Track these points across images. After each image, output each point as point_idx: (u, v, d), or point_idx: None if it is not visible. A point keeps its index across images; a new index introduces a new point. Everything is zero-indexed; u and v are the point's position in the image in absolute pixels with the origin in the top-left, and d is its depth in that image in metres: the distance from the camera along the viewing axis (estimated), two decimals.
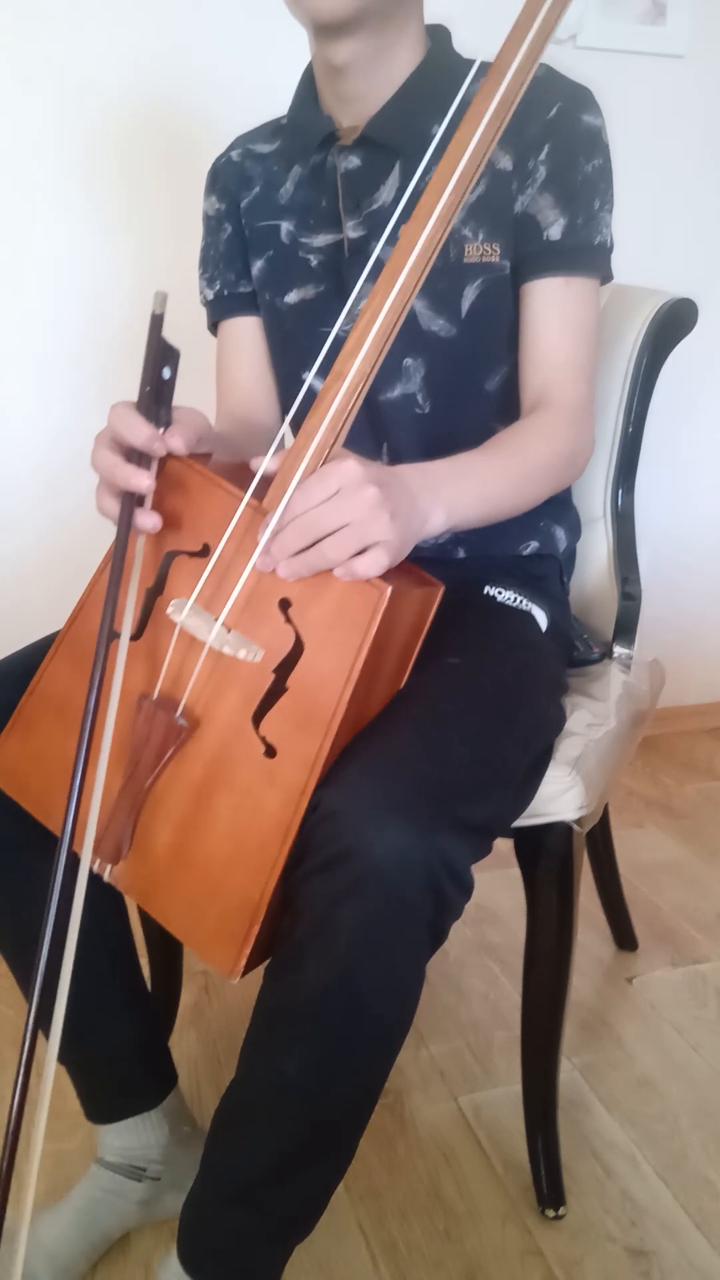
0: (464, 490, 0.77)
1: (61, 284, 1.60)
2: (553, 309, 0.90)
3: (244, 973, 0.69)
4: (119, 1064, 0.94)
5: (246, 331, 1.05)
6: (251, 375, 1.06)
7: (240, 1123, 0.75)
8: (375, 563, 0.66)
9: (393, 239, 0.91)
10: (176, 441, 0.72)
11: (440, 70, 0.91)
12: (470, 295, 0.91)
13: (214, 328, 1.08)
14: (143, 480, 0.71)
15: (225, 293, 1.04)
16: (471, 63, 0.92)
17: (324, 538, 0.66)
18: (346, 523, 0.65)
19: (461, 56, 0.93)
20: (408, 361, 0.94)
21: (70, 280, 1.60)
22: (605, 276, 0.92)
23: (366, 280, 0.93)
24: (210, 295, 1.06)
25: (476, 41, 0.96)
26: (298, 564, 0.67)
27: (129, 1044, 0.94)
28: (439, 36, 0.92)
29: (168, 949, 1.20)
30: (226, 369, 1.07)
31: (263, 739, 0.70)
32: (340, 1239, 0.97)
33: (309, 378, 0.98)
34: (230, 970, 0.69)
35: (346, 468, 0.66)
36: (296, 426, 0.72)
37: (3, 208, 1.54)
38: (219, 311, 1.06)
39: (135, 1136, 0.95)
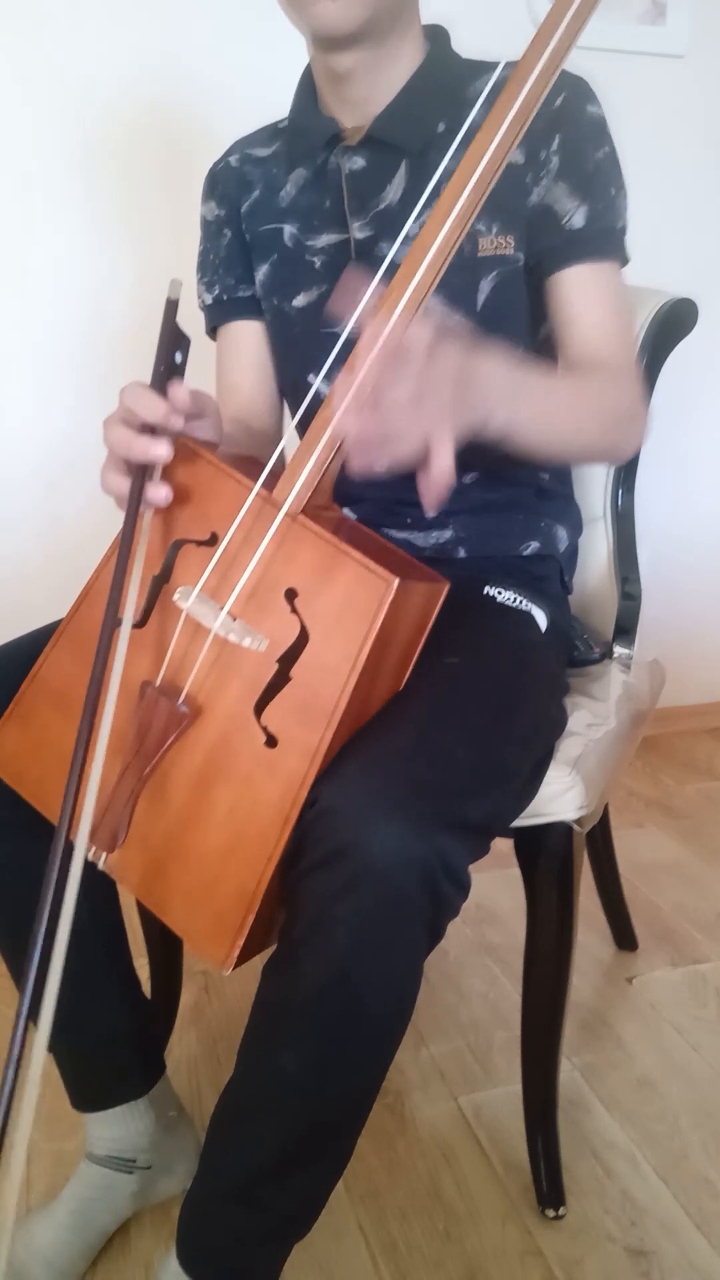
0: (528, 401, 0.72)
1: (61, 284, 1.60)
2: (587, 293, 0.89)
3: (236, 965, 0.69)
4: (109, 1051, 0.94)
5: (247, 336, 1.04)
6: (252, 380, 1.05)
7: (239, 1120, 0.75)
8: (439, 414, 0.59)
9: (399, 237, 0.91)
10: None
11: (443, 69, 0.91)
12: (485, 289, 0.91)
13: (212, 332, 1.08)
14: (160, 449, 0.71)
15: (225, 297, 1.04)
16: (473, 62, 0.92)
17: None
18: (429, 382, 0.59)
19: (461, 56, 0.93)
20: None
21: (70, 280, 1.60)
22: (624, 260, 0.92)
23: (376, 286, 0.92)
24: (209, 300, 1.05)
25: (475, 42, 0.96)
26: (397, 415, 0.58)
27: (120, 1031, 0.94)
28: (438, 37, 0.92)
29: (168, 948, 1.19)
30: (226, 374, 1.07)
31: (264, 729, 0.70)
32: (340, 1239, 0.97)
33: (316, 381, 0.98)
34: (222, 962, 0.69)
35: (422, 333, 0.60)
36: (303, 430, 0.72)
37: (3, 208, 1.54)
38: (218, 316, 1.05)
39: (123, 1126, 0.95)
